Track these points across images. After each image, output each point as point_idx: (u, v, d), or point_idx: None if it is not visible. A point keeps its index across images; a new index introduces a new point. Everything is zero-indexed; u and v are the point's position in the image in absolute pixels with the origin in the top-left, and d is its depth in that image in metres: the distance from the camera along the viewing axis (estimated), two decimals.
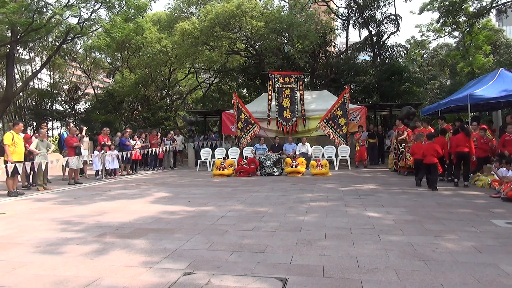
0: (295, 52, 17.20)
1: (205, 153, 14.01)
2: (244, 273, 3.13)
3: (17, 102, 26.27)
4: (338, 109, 12.97)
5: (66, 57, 27.25)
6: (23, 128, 8.74)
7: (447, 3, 20.37)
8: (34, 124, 26.79)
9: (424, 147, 7.86)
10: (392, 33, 23.19)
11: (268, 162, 11.26)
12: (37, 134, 9.94)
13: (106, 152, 11.30)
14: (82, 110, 29.73)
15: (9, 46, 19.06)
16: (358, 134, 12.97)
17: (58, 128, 33.70)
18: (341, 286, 2.84)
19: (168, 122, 23.50)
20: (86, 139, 12.08)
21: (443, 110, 11.70)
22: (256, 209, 5.95)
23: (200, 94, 29.49)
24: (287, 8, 20.92)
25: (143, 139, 14.11)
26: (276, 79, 13.83)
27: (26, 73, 27.81)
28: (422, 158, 7.77)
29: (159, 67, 23.25)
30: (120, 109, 26.27)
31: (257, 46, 19.07)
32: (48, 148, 9.41)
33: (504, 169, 7.07)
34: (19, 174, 8.62)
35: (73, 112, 28.68)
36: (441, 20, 22.03)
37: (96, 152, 11.49)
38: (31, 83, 26.68)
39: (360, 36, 25.98)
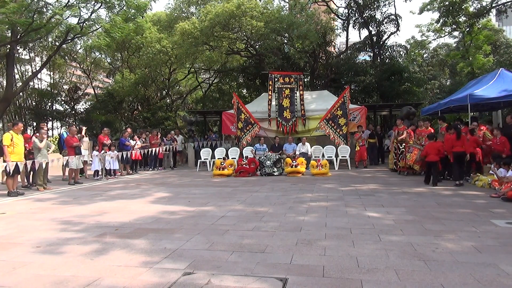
0: (295, 52, 17.18)
1: (205, 153, 14.02)
2: (244, 273, 3.13)
3: (17, 102, 26.24)
4: (338, 109, 12.96)
5: (66, 57, 27.22)
6: (22, 128, 8.73)
7: (447, 3, 20.36)
8: (34, 124, 26.77)
9: (427, 146, 7.96)
10: (392, 33, 23.26)
11: (268, 162, 11.25)
12: (37, 134, 9.93)
13: (106, 152, 11.31)
14: (82, 110, 29.75)
15: (9, 46, 19.03)
16: (358, 134, 12.97)
17: (58, 128, 33.72)
18: (341, 286, 2.84)
19: (168, 122, 23.49)
20: (86, 139, 12.09)
21: (443, 110, 11.71)
22: (256, 209, 5.95)
23: (200, 94, 29.47)
24: (287, 8, 20.92)
25: (143, 139, 14.12)
26: (276, 79, 13.82)
27: (26, 73, 27.78)
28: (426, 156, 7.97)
29: (159, 67, 23.25)
30: (120, 109, 26.26)
31: (257, 46, 19.06)
32: (48, 148, 9.41)
33: (504, 169, 7.08)
34: (19, 174, 8.61)
35: (73, 112, 28.69)
36: (441, 20, 22.03)
37: (95, 152, 11.51)
38: (31, 83, 26.64)
39: (360, 36, 26.06)
